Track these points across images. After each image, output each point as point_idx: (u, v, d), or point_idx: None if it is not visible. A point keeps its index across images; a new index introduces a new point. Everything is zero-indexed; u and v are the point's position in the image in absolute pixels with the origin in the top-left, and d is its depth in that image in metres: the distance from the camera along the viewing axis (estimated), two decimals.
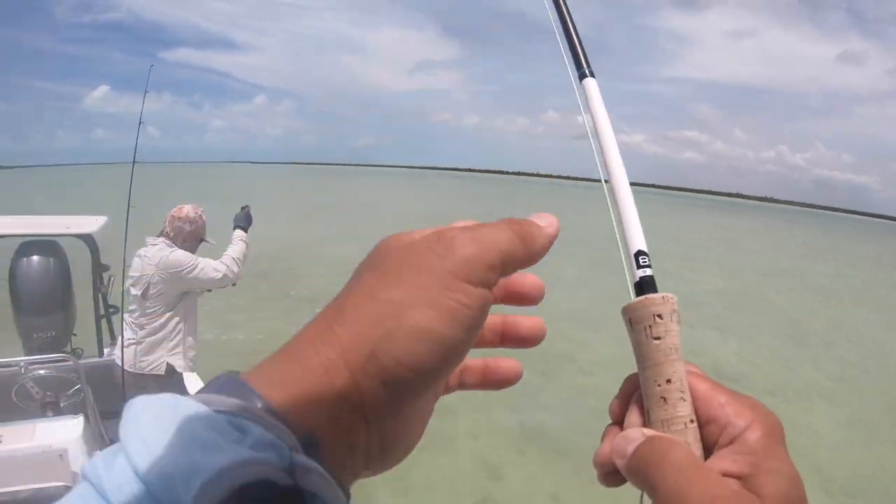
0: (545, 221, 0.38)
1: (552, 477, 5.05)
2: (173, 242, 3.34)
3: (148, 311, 3.29)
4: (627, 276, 0.43)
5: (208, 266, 3.33)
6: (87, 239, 3.81)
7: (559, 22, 0.54)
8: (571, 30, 0.54)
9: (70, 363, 2.63)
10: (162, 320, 3.30)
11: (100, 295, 4.00)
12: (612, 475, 0.38)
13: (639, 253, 0.43)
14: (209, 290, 3.59)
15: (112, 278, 3.93)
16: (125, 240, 3.21)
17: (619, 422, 0.40)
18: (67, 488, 2.06)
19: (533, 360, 7.58)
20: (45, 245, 3.55)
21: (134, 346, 3.24)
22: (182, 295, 3.39)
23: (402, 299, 0.31)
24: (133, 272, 3.35)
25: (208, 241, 3.57)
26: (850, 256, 29.87)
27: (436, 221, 0.40)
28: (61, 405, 2.86)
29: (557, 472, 5.10)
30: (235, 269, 3.39)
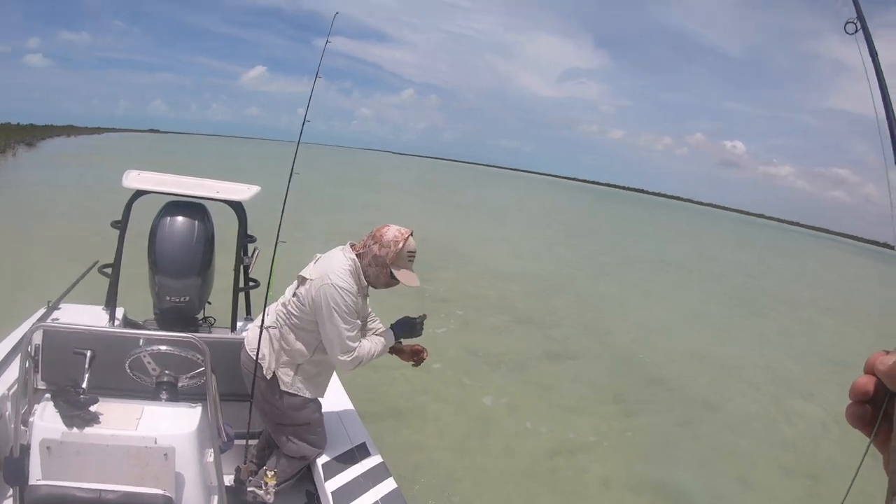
0: None
1: None
2: (356, 261, 2.65)
3: (291, 311, 2.69)
4: None
5: (343, 334, 2.58)
6: (237, 206, 3.55)
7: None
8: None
9: (198, 345, 2.19)
10: (293, 333, 2.70)
11: (241, 266, 3.71)
12: (859, 413, 0.47)
13: None
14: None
15: (257, 251, 3.60)
16: (282, 212, 2.74)
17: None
18: (167, 499, 2.01)
19: (673, 406, 7.47)
20: (192, 207, 3.35)
21: (269, 335, 2.76)
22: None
23: None
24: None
25: (401, 280, 2.68)
26: None
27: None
28: (179, 386, 2.52)
29: None
30: (357, 364, 2.67)
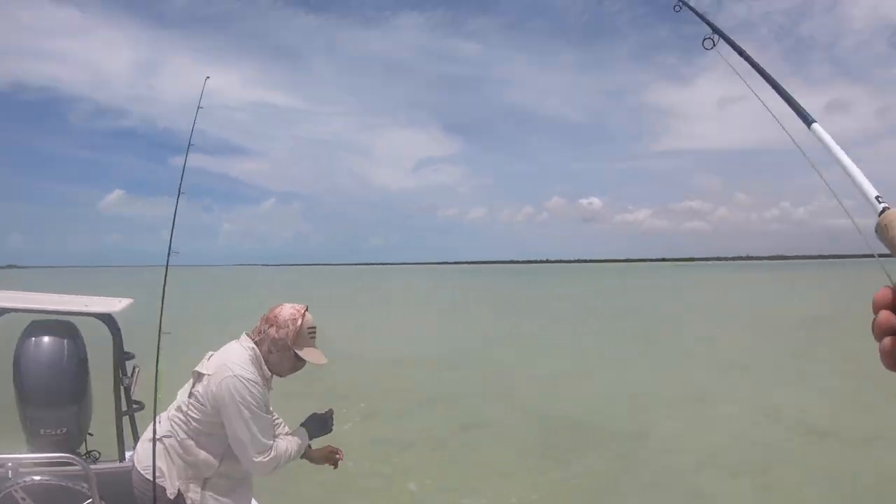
0: None
1: None
2: (255, 349, 2.41)
3: (190, 414, 2.34)
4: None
5: (255, 431, 2.29)
6: (109, 320, 3.15)
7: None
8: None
9: (77, 467, 1.79)
10: (194, 440, 2.34)
11: (122, 387, 3.23)
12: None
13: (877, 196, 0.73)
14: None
15: (137, 369, 3.19)
16: (160, 320, 2.44)
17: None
18: None
19: (602, 445, 7.44)
20: (59, 326, 2.94)
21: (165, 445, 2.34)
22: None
23: None
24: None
25: (307, 360, 2.49)
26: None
27: None
28: None
29: None
30: (274, 466, 2.37)
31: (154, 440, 2.27)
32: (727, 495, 5.82)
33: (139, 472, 2.33)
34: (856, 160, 0.81)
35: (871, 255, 0.67)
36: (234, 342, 2.45)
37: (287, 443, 2.45)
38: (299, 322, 2.42)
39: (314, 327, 2.49)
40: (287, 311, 2.44)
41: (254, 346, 2.40)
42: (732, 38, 1.31)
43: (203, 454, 2.29)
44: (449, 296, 43.72)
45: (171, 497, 2.24)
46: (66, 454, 1.87)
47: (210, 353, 2.47)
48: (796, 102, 1.01)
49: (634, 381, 11.22)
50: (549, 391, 10.42)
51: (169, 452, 2.31)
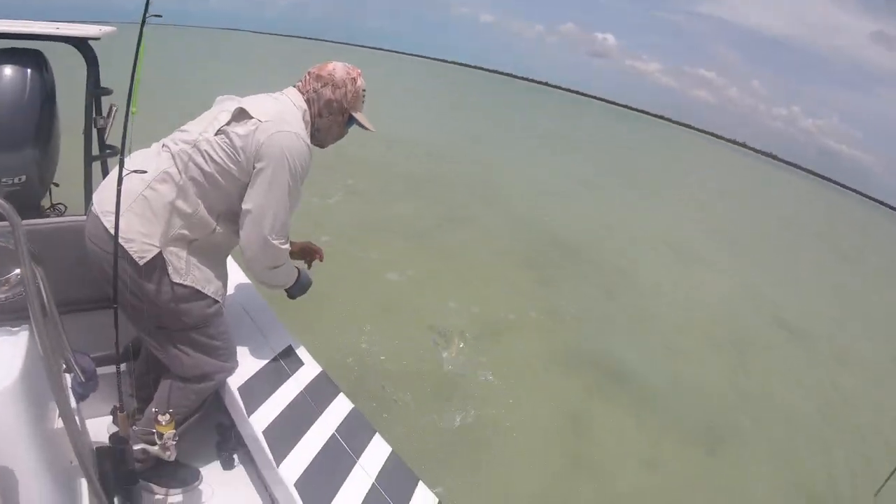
0: None
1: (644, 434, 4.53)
2: (304, 107, 2.01)
3: (212, 153, 1.85)
4: None
5: (287, 207, 1.91)
6: (84, 48, 2.56)
7: None
8: None
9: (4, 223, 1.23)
10: (207, 185, 1.87)
11: (95, 129, 2.72)
12: None
13: None
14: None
15: (115, 108, 2.66)
16: (136, 55, 1.92)
17: None
18: None
19: (586, 272, 7.46)
20: (22, 54, 2.42)
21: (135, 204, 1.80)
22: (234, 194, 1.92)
23: None
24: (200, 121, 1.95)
25: (362, 125, 2.15)
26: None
27: None
28: None
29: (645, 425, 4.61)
30: (280, 261, 2.02)
31: (119, 182, 1.68)
32: (702, 363, 5.93)
33: (100, 222, 1.79)
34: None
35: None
36: (280, 94, 2.04)
37: (289, 266, 2.13)
38: (358, 82, 2.08)
39: (365, 90, 2.14)
40: (342, 69, 2.08)
41: (305, 106, 2.02)
42: None
43: (203, 207, 1.87)
44: (448, 92, 42.77)
45: (142, 259, 1.77)
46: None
47: (243, 98, 2.00)
48: None
49: (625, 221, 11.30)
50: (538, 205, 10.37)
51: (150, 203, 1.81)
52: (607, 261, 8.16)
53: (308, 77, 2.07)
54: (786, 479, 4.44)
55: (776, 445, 4.90)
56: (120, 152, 1.70)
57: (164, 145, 1.91)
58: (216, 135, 1.85)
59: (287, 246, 1.99)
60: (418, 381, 4.34)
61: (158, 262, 1.81)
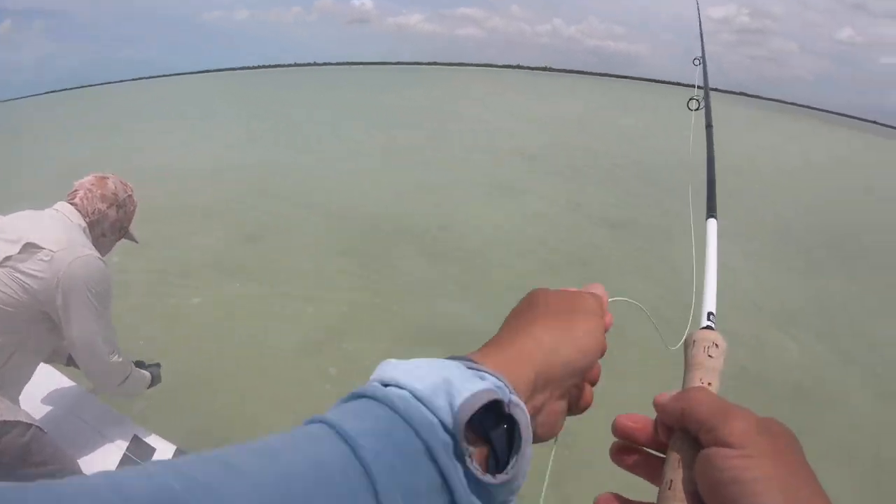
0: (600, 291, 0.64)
1: None
2: (89, 230, 1.99)
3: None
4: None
5: (110, 325, 1.96)
6: None
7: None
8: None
9: None
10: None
11: None
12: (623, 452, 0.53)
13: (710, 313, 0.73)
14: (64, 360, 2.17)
15: None
16: None
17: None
18: None
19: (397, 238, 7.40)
20: None
21: None
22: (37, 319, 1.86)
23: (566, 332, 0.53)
24: None
25: (133, 238, 2.23)
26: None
27: None
28: None
29: None
30: (125, 375, 2.04)
31: None
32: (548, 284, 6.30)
33: None
34: None
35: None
36: (55, 212, 1.96)
37: (137, 374, 2.14)
38: (134, 198, 2.16)
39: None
40: (121, 187, 2.11)
41: (85, 224, 1.99)
42: None
43: None
44: (215, 103, 40.23)
45: None
46: None
47: (19, 214, 1.93)
48: None
49: (426, 176, 11.36)
50: (340, 190, 10.12)
51: None
52: (423, 223, 8.17)
53: (87, 195, 2.03)
54: None
55: None
56: None
57: None
58: (1, 265, 1.76)
59: (121, 357, 2.01)
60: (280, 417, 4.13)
61: None
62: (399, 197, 9.67)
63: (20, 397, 1.91)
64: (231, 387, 4.45)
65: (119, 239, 2.18)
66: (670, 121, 17.32)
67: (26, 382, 1.97)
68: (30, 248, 1.78)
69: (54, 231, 1.85)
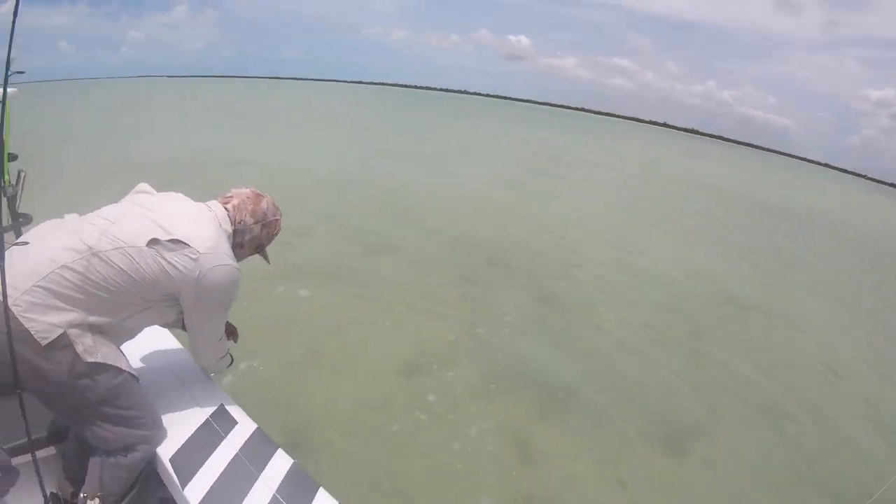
0: None
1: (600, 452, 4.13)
2: (230, 231, 2.08)
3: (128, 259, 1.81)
4: None
5: (221, 326, 2.11)
6: None
7: None
8: None
9: None
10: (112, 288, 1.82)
11: (4, 198, 2.60)
12: None
13: None
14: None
15: (24, 174, 2.56)
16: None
17: None
18: None
19: (520, 282, 7.05)
20: None
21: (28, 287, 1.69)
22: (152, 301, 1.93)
23: None
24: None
25: (266, 257, 2.34)
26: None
27: None
28: None
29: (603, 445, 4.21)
30: (218, 363, 2.26)
31: (0, 258, 1.55)
32: (652, 359, 5.59)
33: None
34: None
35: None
36: (208, 210, 2.05)
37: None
38: (280, 224, 2.27)
39: None
40: (272, 209, 2.23)
41: (231, 230, 2.09)
42: None
43: (117, 300, 1.82)
44: (361, 114, 42.09)
45: (45, 339, 1.68)
46: None
47: (160, 197, 2.02)
48: None
49: (552, 217, 11.05)
50: (456, 216, 10.07)
51: (60, 284, 1.72)
52: (540, 263, 7.92)
53: (241, 206, 2.14)
54: (763, 473, 4.18)
55: (746, 436, 4.63)
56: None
57: (83, 228, 1.83)
58: (148, 245, 1.82)
59: (224, 340, 2.18)
60: (360, 427, 4.02)
61: (63, 342, 1.72)
62: (524, 234, 9.42)
63: (124, 346, 1.98)
64: (320, 386, 4.39)
65: (254, 254, 2.27)
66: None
67: (133, 337, 2.03)
68: (179, 242, 1.86)
69: (205, 231, 1.93)
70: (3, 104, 1.58)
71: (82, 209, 1.96)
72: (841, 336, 7.41)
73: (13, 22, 1.52)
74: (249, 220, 2.13)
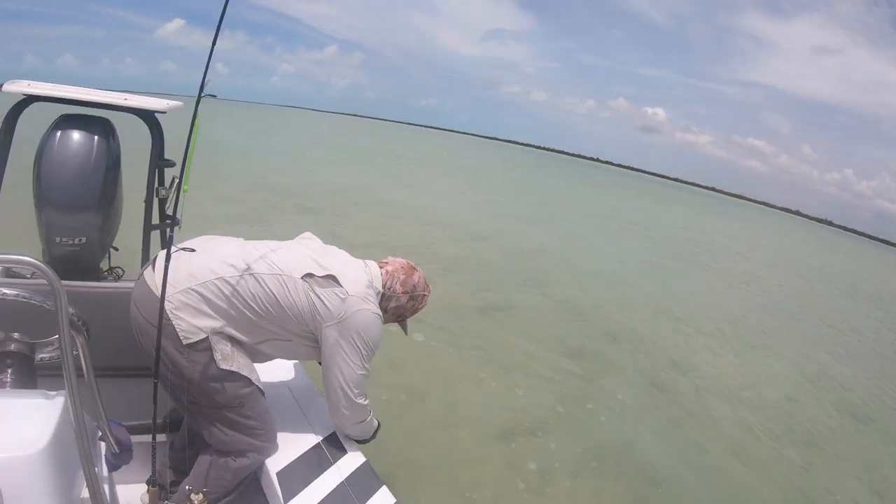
0: None
1: None
2: (381, 291, 2.15)
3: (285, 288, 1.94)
4: None
5: (365, 383, 2.08)
6: (152, 120, 2.69)
7: None
8: None
9: (46, 287, 1.22)
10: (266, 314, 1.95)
11: (156, 198, 2.82)
12: None
13: None
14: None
15: (177, 180, 2.65)
16: (189, 136, 1.89)
17: None
18: None
19: (636, 364, 6.83)
20: (93, 121, 2.50)
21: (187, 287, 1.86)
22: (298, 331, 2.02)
23: None
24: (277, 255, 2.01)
25: (405, 329, 2.37)
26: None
27: None
28: (37, 360, 1.65)
29: None
30: (366, 417, 2.17)
31: (167, 253, 1.74)
32: (768, 462, 5.31)
33: (149, 288, 1.85)
34: None
35: None
36: (366, 266, 2.17)
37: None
38: (427, 300, 2.32)
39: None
40: (423, 284, 2.29)
41: (382, 290, 2.16)
42: None
43: (261, 324, 1.94)
44: (498, 170, 43.15)
45: (187, 339, 1.81)
46: (25, 256, 1.19)
47: (327, 248, 2.18)
48: None
49: (676, 303, 10.70)
50: (581, 287, 9.96)
51: (214, 293, 1.85)
52: (661, 347, 7.66)
53: (394, 273, 2.20)
54: None
55: None
56: (170, 227, 2.01)
57: (246, 249, 2.00)
58: (303, 278, 1.95)
59: (368, 402, 2.13)
60: (449, 483, 3.94)
61: (203, 345, 1.86)
62: (642, 315, 9.15)
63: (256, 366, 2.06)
64: (416, 434, 4.34)
65: (394, 322, 2.28)
66: None
67: (266, 361, 2.14)
68: (333, 280, 1.96)
69: (358, 279, 2.03)
70: (193, 121, 1.67)
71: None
72: None
73: (211, 50, 1.64)
74: (399, 289, 2.18)
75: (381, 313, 2.06)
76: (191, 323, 1.82)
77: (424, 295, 2.29)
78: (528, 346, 6.59)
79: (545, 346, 6.72)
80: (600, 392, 5.85)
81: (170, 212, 2.84)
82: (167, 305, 1.77)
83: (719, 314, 10.64)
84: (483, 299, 7.96)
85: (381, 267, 2.21)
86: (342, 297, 1.95)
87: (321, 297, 1.93)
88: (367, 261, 2.21)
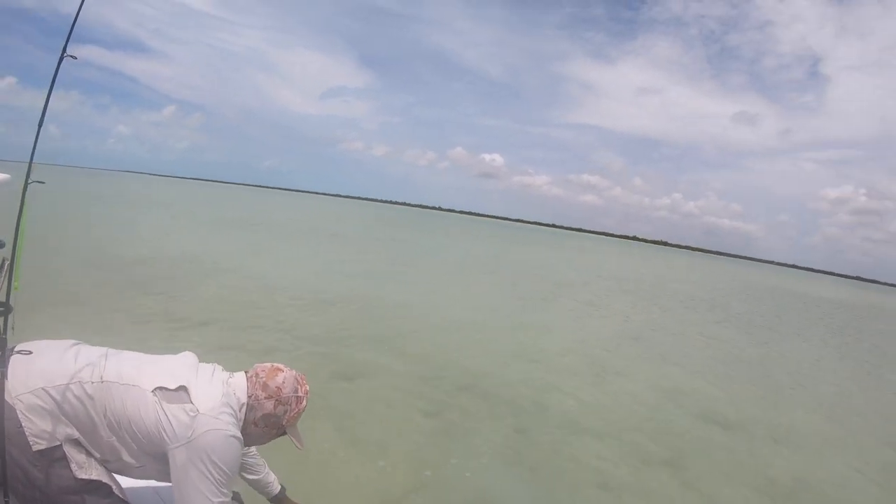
0: None
1: None
2: (245, 402, 2.00)
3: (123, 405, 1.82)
4: None
5: (214, 499, 1.83)
6: None
7: None
8: None
9: None
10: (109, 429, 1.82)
11: None
12: None
13: None
14: None
15: (6, 262, 2.63)
16: (17, 230, 1.86)
17: None
18: None
19: (497, 412, 6.38)
20: None
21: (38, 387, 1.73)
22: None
23: None
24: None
25: (296, 440, 2.14)
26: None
27: None
28: None
29: None
30: None
31: (5, 352, 1.69)
32: (641, 488, 5.14)
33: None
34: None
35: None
36: (231, 378, 2.03)
37: None
38: (303, 403, 2.10)
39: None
40: (291, 385, 2.06)
41: (246, 400, 2.00)
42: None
43: (113, 440, 1.79)
44: (339, 227, 42.53)
45: (37, 445, 1.66)
46: None
47: (199, 365, 2.02)
48: None
49: (529, 342, 10.59)
50: (436, 341, 9.60)
51: (64, 400, 1.71)
52: (520, 393, 7.36)
53: (255, 380, 2.04)
54: None
55: None
56: (3, 315, 1.82)
57: (107, 357, 1.88)
58: (153, 391, 1.81)
59: None
60: None
61: (57, 454, 1.69)
62: (499, 360, 8.94)
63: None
64: None
65: (276, 436, 2.12)
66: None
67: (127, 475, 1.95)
68: (183, 393, 1.83)
69: (213, 395, 1.88)
70: (21, 208, 1.69)
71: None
72: (829, 451, 6.94)
73: (37, 135, 1.67)
74: (261, 394, 2.01)
75: (237, 433, 1.87)
76: (41, 428, 1.66)
77: (297, 397, 2.07)
78: (385, 410, 6.13)
79: (401, 408, 6.26)
80: (464, 447, 5.48)
81: (1, 298, 2.64)
82: (17, 405, 1.63)
83: (575, 345, 10.73)
84: (335, 368, 7.38)
85: (247, 375, 2.06)
86: (192, 414, 1.79)
87: (167, 413, 1.78)
88: (235, 373, 2.06)
